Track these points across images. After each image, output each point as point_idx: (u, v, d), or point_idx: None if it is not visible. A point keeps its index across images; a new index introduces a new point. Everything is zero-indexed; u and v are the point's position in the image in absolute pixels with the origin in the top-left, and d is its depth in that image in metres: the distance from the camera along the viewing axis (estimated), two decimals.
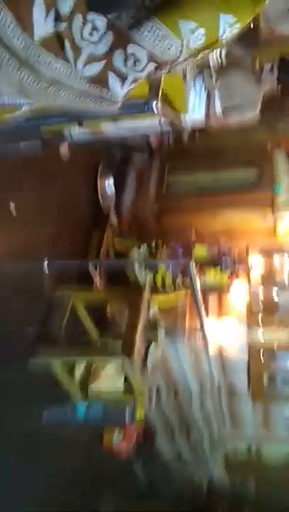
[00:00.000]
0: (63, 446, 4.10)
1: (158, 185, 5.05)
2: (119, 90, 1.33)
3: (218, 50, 3.07)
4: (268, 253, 4.34)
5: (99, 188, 4.48)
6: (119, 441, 4.64)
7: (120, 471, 5.82)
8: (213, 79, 3.25)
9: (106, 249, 4.26)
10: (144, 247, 4.30)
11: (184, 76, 2.72)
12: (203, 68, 3.12)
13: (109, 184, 4.75)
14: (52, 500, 3.99)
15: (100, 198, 4.50)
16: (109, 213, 4.51)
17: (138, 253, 4.17)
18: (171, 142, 5.58)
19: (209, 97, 3.33)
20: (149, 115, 2.67)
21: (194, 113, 3.32)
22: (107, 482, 5.50)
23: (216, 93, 3.35)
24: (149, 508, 6.80)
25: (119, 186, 4.91)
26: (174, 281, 4.22)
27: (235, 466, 7.26)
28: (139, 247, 4.27)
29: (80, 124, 2.35)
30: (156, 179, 5.10)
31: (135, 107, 2.10)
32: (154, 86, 2.05)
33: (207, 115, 3.40)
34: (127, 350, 3.02)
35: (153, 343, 3.40)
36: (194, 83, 3.16)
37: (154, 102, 2.00)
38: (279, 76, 3.40)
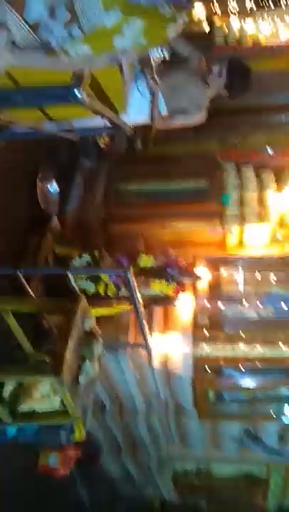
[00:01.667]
0: None
1: (106, 192, 4.85)
2: None
3: (160, 49, 2.92)
4: (215, 265, 4.20)
5: (38, 191, 4.19)
6: (57, 463, 4.30)
7: (63, 492, 5.51)
8: (156, 79, 3.09)
9: (45, 256, 3.97)
10: (85, 256, 4.04)
11: (122, 74, 2.53)
12: (145, 68, 2.96)
13: (51, 187, 4.48)
14: None
15: (39, 200, 4.21)
16: (51, 218, 4.23)
17: (78, 261, 3.90)
18: (122, 148, 5.40)
19: (153, 98, 3.16)
20: (84, 111, 2.47)
21: (138, 114, 3.15)
22: (51, 501, 5.19)
23: (160, 94, 3.20)
24: None
25: (63, 190, 4.65)
26: (117, 292, 3.99)
27: (185, 484, 7.06)
28: (81, 256, 4.01)
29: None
30: (104, 185, 4.90)
31: (57, 94, 1.88)
32: (77, 73, 1.85)
33: (152, 116, 3.24)
34: (56, 368, 2.75)
35: (88, 359, 3.14)
36: (137, 83, 2.99)
37: (77, 89, 1.79)
38: (228, 81, 3.26)
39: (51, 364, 2.81)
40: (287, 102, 6.54)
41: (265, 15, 6.53)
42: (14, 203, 3.97)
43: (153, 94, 3.13)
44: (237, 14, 6.70)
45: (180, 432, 5.36)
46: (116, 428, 5.47)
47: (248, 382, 4.07)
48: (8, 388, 3.19)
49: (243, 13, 6.74)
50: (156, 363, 4.15)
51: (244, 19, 6.41)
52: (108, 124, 2.85)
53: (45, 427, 3.87)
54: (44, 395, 3.23)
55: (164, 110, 3.27)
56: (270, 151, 4.68)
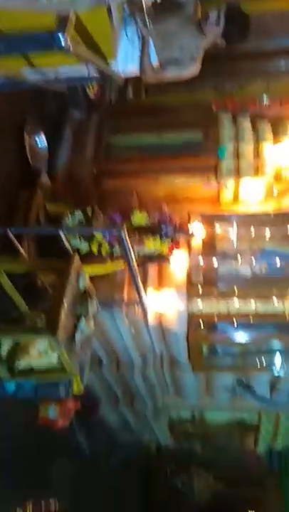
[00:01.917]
0: None
1: (97, 146, 4.66)
2: None
3: None
4: (210, 221, 4.13)
5: (26, 145, 4.01)
6: (56, 415, 4.44)
7: (64, 445, 5.74)
8: (147, 24, 2.84)
9: (36, 214, 3.87)
10: (78, 213, 3.94)
11: (111, 17, 2.32)
12: (135, 11, 2.71)
13: (40, 141, 4.29)
14: None
15: (28, 155, 4.04)
16: (40, 173, 4.08)
17: (71, 219, 3.81)
18: (113, 98, 5.15)
19: (144, 46, 2.92)
20: (69, 59, 2.29)
21: (126, 64, 2.93)
22: (51, 454, 5.42)
23: (151, 42, 2.96)
24: (101, 475, 6.87)
25: (52, 144, 4.45)
26: (111, 250, 3.93)
27: (180, 430, 7.39)
28: (73, 213, 3.91)
29: None
30: (95, 138, 4.69)
31: (40, 40, 1.73)
32: (61, 17, 1.68)
33: (142, 66, 3.01)
34: (51, 326, 2.75)
35: (83, 317, 3.14)
36: (126, 29, 2.75)
37: (61, 34, 1.63)
38: (226, 28, 3.01)
39: (47, 323, 2.81)
40: (287, 45, 6.19)
41: None
42: (0, 158, 3.80)
43: (143, 41, 2.89)
44: None
45: (175, 383, 5.52)
46: (113, 380, 5.62)
47: (241, 336, 4.14)
48: (5, 347, 3.21)
49: None
50: (151, 319, 4.18)
51: None
52: (97, 73, 2.67)
53: (44, 383, 3.97)
54: (41, 352, 3.27)
55: (154, 60, 3.03)
56: (267, 101, 4.47)
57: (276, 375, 4.66)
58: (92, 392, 5.90)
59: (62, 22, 1.65)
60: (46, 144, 4.36)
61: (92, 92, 4.92)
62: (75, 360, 3.15)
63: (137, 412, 6.51)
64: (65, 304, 2.87)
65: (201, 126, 4.56)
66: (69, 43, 1.68)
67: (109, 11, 2.22)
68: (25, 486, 4.72)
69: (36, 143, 4.25)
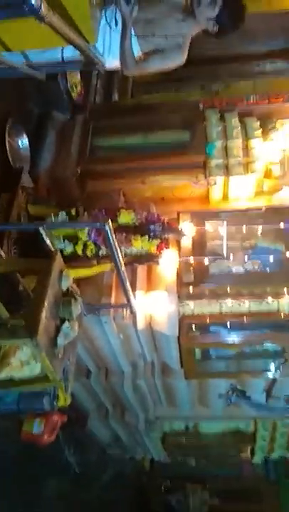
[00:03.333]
0: None
1: (81, 146, 4.52)
2: None
3: None
4: (200, 219, 3.99)
5: (7, 146, 3.85)
6: (41, 429, 4.19)
7: (52, 459, 5.47)
8: (130, 10, 2.68)
9: (17, 216, 3.69)
10: (62, 214, 3.77)
11: None
12: None
13: (22, 142, 4.14)
14: None
15: (8, 156, 3.88)
16: (21, 175, 3.92)
17: (54, 220, 3.64)
18: (98, 99, 5.04)
19: (125, 35, 2.76)
20: (47, 37, 2.14)
21: (107, 53, 2.77)
22: (38, 472, 5.14)
23: (133, 29, 2.80)
24: (90, 492, 6.58)
25: (35, 145, 4.31)
26: (97, 251, 3.75)
27: (173, 443, 7.14)
28: (57, 214, 3.74)
29: None
30: (79, 139, 4.56)
31: (9, 2, 1.57)
32: None
33: (122, 57, 2.84)
34: (30, 328, 2.54)
35: (67, 320, 2.94)
36: (105, 11, 2.59)
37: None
38: (220, 13, 2.80)
39: (26, 325, 2.60)
40: (271, 48, 6.21)
41: None
42: None
43: (124, 29, 2.74)
44: None
45: (167, 392, 5.31)
46: (102, 391, 5.38)
47: (235, 338, 3.97)
48: None
49: None
50: (141, 323, 3.99)
51: None
52: (77, 58, 2.53)
53: (27, 394, 3.73)
54: (23, 362, 3.05)
55: (137, 51, 2.86)
56: (255, 98, 4.39)
57: (271, 378, 4.49)
58: (80, 405, 5.66)
59: None
60: (28, 145, 4.21)
61: (76, 92, 4.81)
62: (58, 367, 2.93)
63: (128, 425, 6.26)
64: (46, 305, 2.67)
65: (188, 125, 4.46)
66: (42, 6, 1.52)
67: None
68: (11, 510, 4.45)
69: (18, 144, 4.10)
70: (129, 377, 4.96)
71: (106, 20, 2.58)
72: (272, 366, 4.46)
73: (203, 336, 4.03)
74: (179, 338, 3.98)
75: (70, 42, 2.22)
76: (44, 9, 1.57)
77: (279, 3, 5.03)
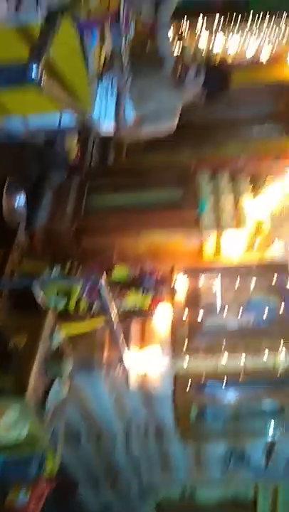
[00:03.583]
0: None
1: (76, 204, 4.67)
2: None
3: (128, 42, 2.77)
4: (193, 274, 4.01)
5: (5, 204, 3.95)
6: (25, 500, 3.88)
7: None
8: (125, 78, 2.90)
9: (10, 271, 3.69)
10: (56, 269, 3.79)
11: (87, 66, 2.35)
12: (112, 62, 2.79)
13: (19, 201, 4.25)
14: None
15: (4, 215, 3.97)
16: (17, 232, 3.98)
17: (48, 275, 3.65)
18: (93, 162, 5.27)
19: (119, 100, 2.96)
20: (46, 103, 2.27)
21: (103, 117, 2.94)
22: None
23: (128, 95, 3.00)
24: None
25: (32, 204, 4.43)
26: (90, 307, 3.73)
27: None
28: (51, 270, 3.76)
29: None
30: (75, 198, 4.72)
31: (11, 72, 1.68)
32: (35, 48, 1.65)
33: (117, 122, 3.02)
34: (19, 388, 2.46)
35: (57, 379, 2.85)
36: (101, 80, 2.79)
37: (35, 66, 1.58)
38: (206, 78, 3.06)
39: (14, 385, 2.52)
40: (257, 114, 6.58)
41: (233, 31, 6.61)
42: None
43: (119, 96, 2.93)
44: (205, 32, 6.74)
45: (161, 456, 5.03)
46: (93, 457, 5.09)
47: (232, 395, 3.85)
48: None
49: (211, 30, 6.80)
50: (134, 382, 3.87)
51: (213, 37, 6.44)
52: (72, 123, 2.67)
53: (13, 460, 3.52)
54: (10, 425, 2.91)
55: (131, 116, 3.05)
56: (244, 159, 4.60)
57: (270, 439, 4.29)
58: (69, 472, 5.33)
59: (36, 52, 1.61)
60: (25, 203, 4.31)
61: (72, 155, 5.02)
62: (46, 429, 2.81)
63: (121, 493, 5.86)
64: (37, 363, 2.61)
65: (181, 183, 4.64)
66: (42, 74, 1.63)
67: (86, 59, 2.25)
68: None
69: (15, 202, 4.21)
70: (122, 440, 4.72)
71: (102, 89, 2.78)
72: (271, 426, 4.29)
73: (198, 394, 3.90)
74: (173, 396, 3.85)
75: (68, 108, 2.36)
76: (44, 78, 1.68)
77: (266, 75, 5.45)
